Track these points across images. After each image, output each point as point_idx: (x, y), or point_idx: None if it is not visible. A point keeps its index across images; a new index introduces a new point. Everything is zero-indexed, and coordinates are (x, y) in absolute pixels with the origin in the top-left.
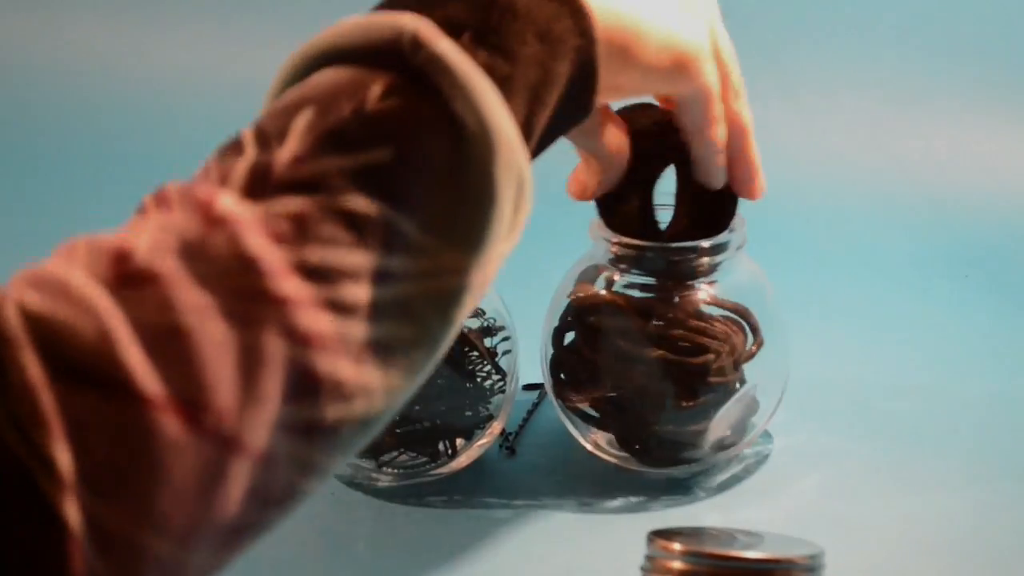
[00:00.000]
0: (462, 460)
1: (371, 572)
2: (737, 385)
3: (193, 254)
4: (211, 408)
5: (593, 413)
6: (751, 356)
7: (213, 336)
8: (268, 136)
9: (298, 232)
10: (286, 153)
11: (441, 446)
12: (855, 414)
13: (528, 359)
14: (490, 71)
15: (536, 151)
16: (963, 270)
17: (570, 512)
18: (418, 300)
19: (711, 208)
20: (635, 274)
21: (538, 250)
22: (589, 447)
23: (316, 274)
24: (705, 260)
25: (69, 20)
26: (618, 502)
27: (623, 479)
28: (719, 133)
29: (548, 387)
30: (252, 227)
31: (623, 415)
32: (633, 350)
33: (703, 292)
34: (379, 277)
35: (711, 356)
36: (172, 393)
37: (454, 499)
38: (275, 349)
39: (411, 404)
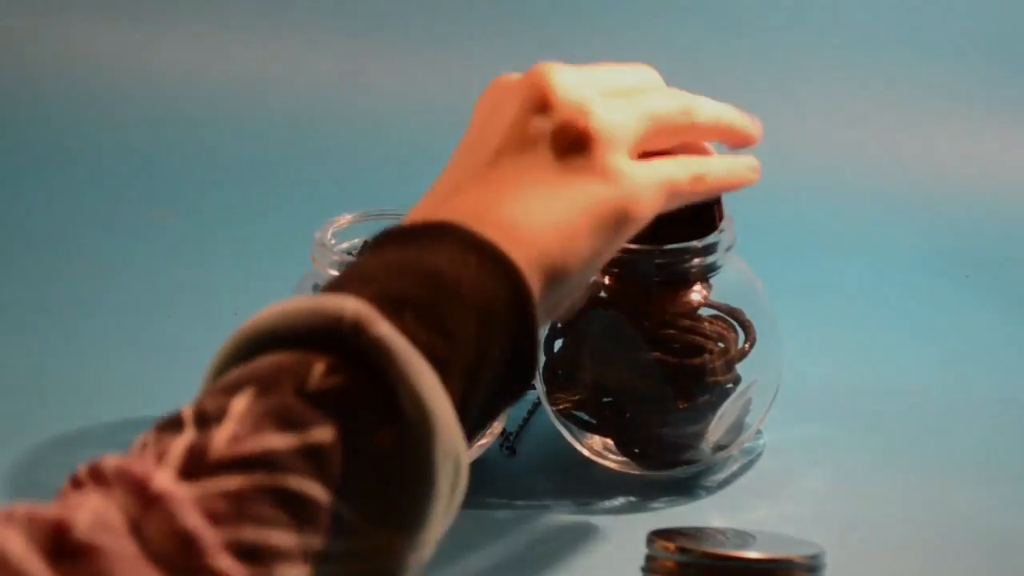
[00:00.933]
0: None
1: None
2: (731, 385)
3: (132, 531)
4: None
5: (589, 419)
6: (744, 355)
7: None
8: (207, 415)
9: (234, 511)
10: (224, 432)
11: None
12: (854, 414)
13: None
14: (429, 352)
15: (472, 431)
16: (963, 270)
17: (570, 512)
18: None
19: (698, 209)
20: (626, 277)
21: None
22: (586, 452)
23: (251, 554)
24: (697, 261)
25: (69, 20)
26: (618, 502)
27: (623, 479)
28: (709, 181)
29: (541, 394)
30: (188, 506)
31: (620, 420)
32: (627, 354)
33: (696, 293)
34: (314, 558)
35: (707, 356)
36: None
37: None
38: None
39: None
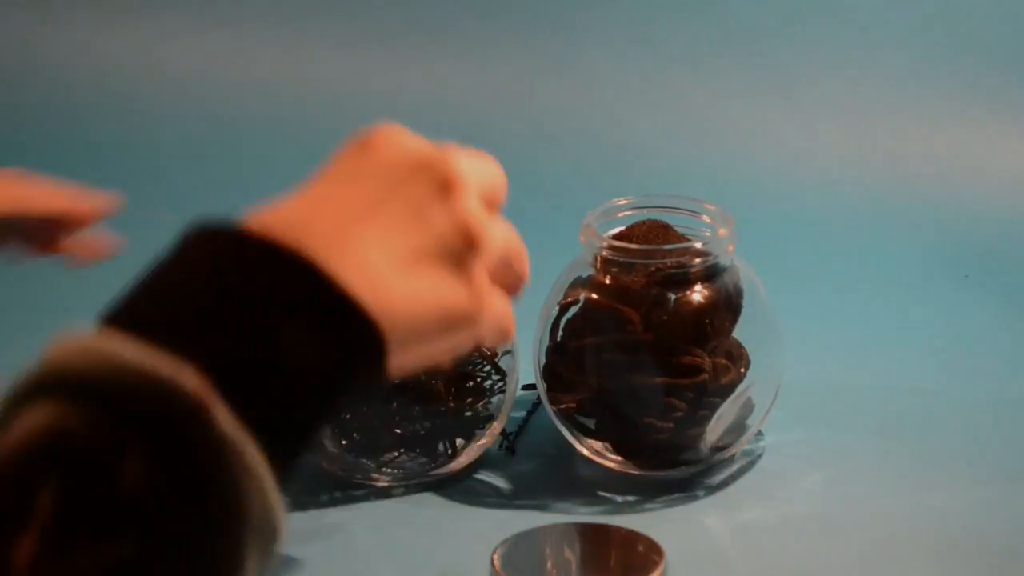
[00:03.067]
0: (462, 460)
1: (371, 572)
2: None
3: None
4: None
5: (588, 423)
6: (740, 378)
7: None
8: (5, 508)
9: None
10: (29, 544)
11: (441, 446)
12: (854, 414)
13: (528, 359)
14: (260, 437)
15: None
16: (963, 270)
17: (570, 512)
18: None
19: None
20: (626, 278)
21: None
22: (586, 452)
23: None
24: (698, 261)
25: (69, 20)
26: (618, 501)
27: (622, 478)
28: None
29: (542, 394)
30: None
31: (618, 422)
32: (626, 357)
33: (697, 295)
34: None
35: (706, 376)
36: None
37: (454, 499)
38: None
39: (411, 405)
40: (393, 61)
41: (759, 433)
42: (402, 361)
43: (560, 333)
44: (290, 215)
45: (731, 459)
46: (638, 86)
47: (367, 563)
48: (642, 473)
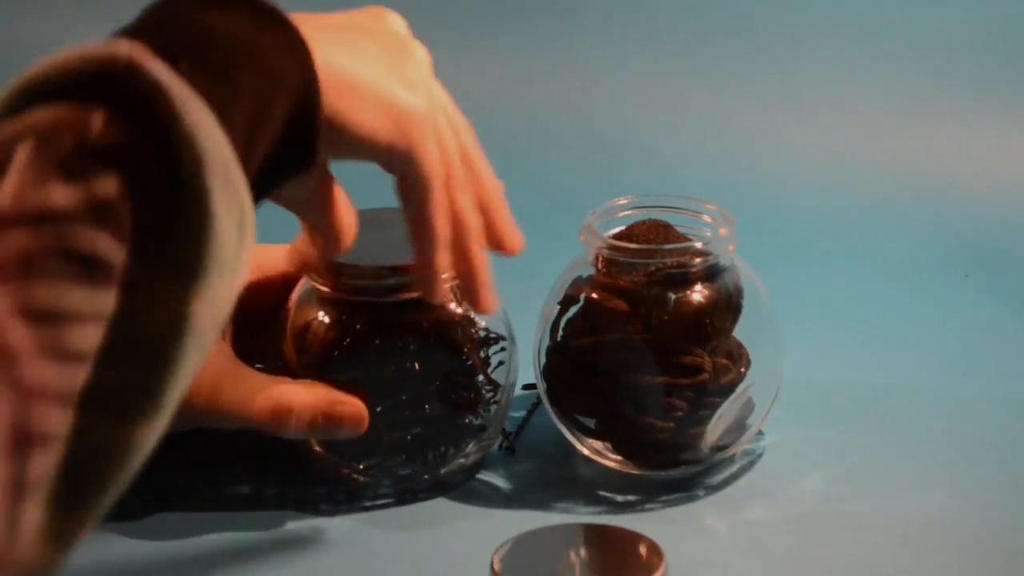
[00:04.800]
0: (453, 468)
1: (370, 572)
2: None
3: None
4: None
5: (588, 423)
6: (740, 377)
7: None
8: None
9: (23, 272)
10: (8, 186)
11: (431, 455)
12: (854, 413)
13: (527, 360)
14: (208, 97)
15: (256, 191)
16: (963, 270)
17: (571, 512)
18: (138, 338)
19: None
20: (625, 278)
21: (537, 249)
22: (587, 452)
23: (42, 317)
24: (698, 261)
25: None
26: (618, 501)
27: (623, 478)
28: (440, 226)
29: (542, 394)
30: None
31: (618, 422)
32: (626, 356)
33: (697, 294)
34: (101, 316)
35: (706, 376)
36: None
37: (454, 499)
38: (1, 405)
39: (401, 410)
40: None
41: (759, 433)
42: (346, 136)
43: (560, 333)
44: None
45: (731, 459)
46: (639, 86)
47: (367, 563)
48: (642, 473)
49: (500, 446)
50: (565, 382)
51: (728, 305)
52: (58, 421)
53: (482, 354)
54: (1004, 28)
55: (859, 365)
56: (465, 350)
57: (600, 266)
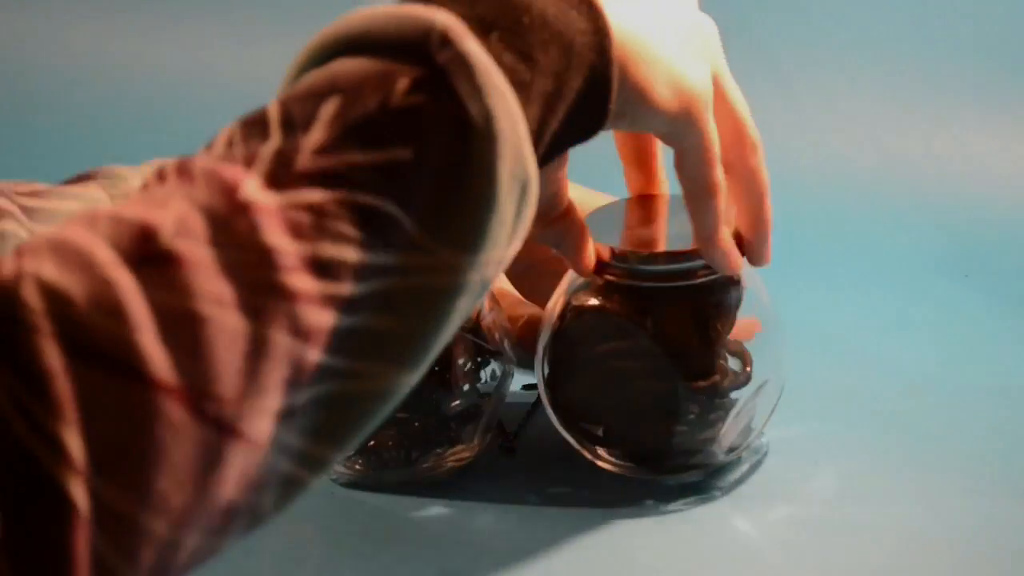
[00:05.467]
0: (451, 466)
1: (370, 572)
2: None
3: (216, 240)
4: (215, 396)
5: (594, 430)
6: (749, 377)
7: (226, 327)
8: (294, 121)
9: (315, 226)
10: (311, 142)
11: (411, 454)
12: (854, 413)
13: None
14: (512, 75)
15: (543, 161)
16: (963, 270)
17: (571, 512)
18: (412, 297)
19: None
20: (630, 283)
21: None
22: (587, 456)
23: (325, 269)
24: (701, 263)
25: (69, 20)
26: (622, 501)
27: (623, 479)
28: (718, 193)
29: (545, 402)
30: (272, 217)
31: (624, 427)
32: (630, 360)
33: (700, 295)
34: (382, 274)
35: (716, 378)
36: (180, 380)
37: (453, 499)
38: (280, 343)
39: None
40: None
41: (760, 432)
42: (635, 78)
43: (562, 337)
44: None
45: (739, 459)
46: None
47: (366, 563)
48: (653, 477)
49: (500, 446)
50: (567, 387)
51: (731, 306)
52: (329, 361)
53: (473, 362)
54: (1004, 28)
55: (858, 365)
56: (456, 357)
57: (603, 271)
